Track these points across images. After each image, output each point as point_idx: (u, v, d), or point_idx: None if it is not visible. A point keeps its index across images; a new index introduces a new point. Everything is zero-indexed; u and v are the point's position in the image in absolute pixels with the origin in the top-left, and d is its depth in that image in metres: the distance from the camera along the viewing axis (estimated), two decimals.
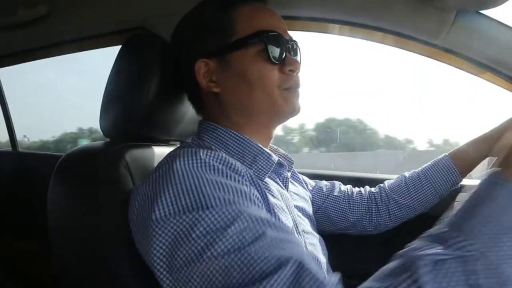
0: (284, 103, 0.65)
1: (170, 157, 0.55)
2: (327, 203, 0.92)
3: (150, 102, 0.67)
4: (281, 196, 0.66)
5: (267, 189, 0.62)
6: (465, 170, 0.85)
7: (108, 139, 0.73)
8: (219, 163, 0.54)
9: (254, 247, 0.43)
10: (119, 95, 0.69)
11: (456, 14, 0.89)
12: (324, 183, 0.96)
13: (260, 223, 0.46)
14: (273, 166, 0.66)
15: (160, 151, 0.75)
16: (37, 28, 1.27)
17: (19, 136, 1.62)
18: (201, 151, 0.54)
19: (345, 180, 1.04)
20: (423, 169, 0.89)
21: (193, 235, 0.45)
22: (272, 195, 0.62)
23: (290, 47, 0.67)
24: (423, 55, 1.01)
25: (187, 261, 0.45)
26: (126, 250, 0.56)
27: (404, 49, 1.01)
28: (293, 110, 0.67)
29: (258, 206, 0.52)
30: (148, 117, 0.69)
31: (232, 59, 0.64)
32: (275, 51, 0.64)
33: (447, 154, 0.87)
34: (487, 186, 0.43)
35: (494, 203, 0.40)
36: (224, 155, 0.56)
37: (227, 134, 0.66)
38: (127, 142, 0.69)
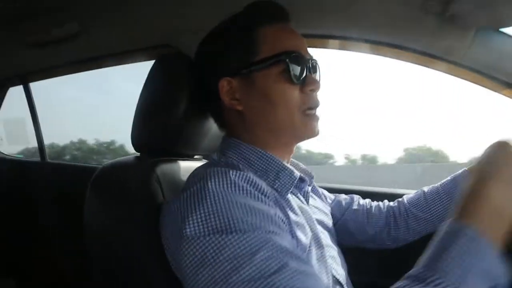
0: (303, 127, 0.68)
1: (200, 176, 0.58)
2: (345, 216, 0.93)
3: (180, 119, 0.70)
4: (301, 211, 0.68)
5: (289, 206, 0.64)
6: None
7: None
8: (248, 183, 0.56)
9: (277, 277, 0.45)
10: (151, 111, 0.72)
11: (475, 32, 0.91)
12: (343, 196, 0.98)
13: (283, 253, 0.48)
14: (295, 182, 0.68)
15: (187, 166, 0.79)
16: (67, 45, 1.34)
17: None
18: (231, 172, 0.57)
19: (364, 194, 1.05)
20: (442, 183, 0.90)
21: (221, 257, 0.47)
22: (294, 213, 0.64)
23: (310, 66, 0.69)
24: (441, 71, 1.03)
25: (212, 281, 0.47)
26: (157, 260, 0.58)
27: (422, 65, 1.03)
28: (312, 134, 0.69)
29: (282, 230, 0.54)
30: (178, 133, 0.73)
31: (255, 78, 0.67)
32: (296, 72, 0.66)
33: (466, 168, 0.88)
34: (451, 232, 0.48)
35: (457, 247, 0.46)
36: (251, 175, 0.58)
37: (250, 151, 0.68)
38: (156, 157, 0.73)
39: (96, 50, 1.36)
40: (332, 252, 0.75)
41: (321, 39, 1.05)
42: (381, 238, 0.92)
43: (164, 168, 0.70)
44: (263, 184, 0.59)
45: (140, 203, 0.64)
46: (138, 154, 0.76)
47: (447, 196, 0.87)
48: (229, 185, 0.54)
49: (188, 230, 0.51)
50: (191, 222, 0.51)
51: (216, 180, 0.55)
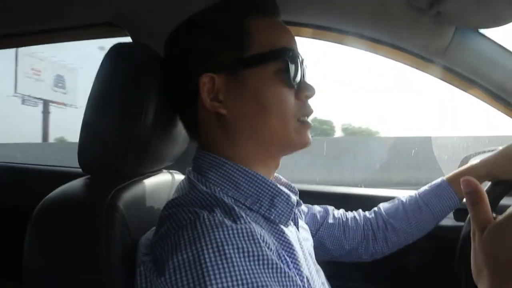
0: (297, 136, 0.58)
1: (185, 228, 0.46)
2: (321, 231, 0.86)
3: (147, 131, 0.56)
4: (298, 241, 0.60)
5: (288, 242, 0.54)
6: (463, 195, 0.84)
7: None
8: (251, 239, 0.46)
9: None
10: (107, 123, 0.56)
11: (455, 31, 0.88)
12: (317, 209, 0.90)
13: None
14: (293, 209, 0.58)
15: (151, 184, 0.65)
16: None
17: None
18: (229, 225, 0.46)
19: (330, 196, 0.98)
20: (421, 194, 0.87)
21: None
22: (294, 249, 0.54)
23: (304, 69, 0.60)
24: (416, 68, 0.99)
25: None
26: None
27: (398, 61, 0.98)
28: (305, 144, 0.60)
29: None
30: (144, 149, 0.58)
31: (245, 77, 0.56)
32: (295, 73, 0.56)
33: (444, 178, 0.86)
34: None
35: None
36: (253, 227, 0.47)
37: (237, 172, 0.56)
38: (111, 179, 0.58)
39: (20, 25, 1.11)
40: (322, 276, 0.68)
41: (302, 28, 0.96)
42: (357, 253, 0.87)
43: (127, 196, 0.55)
44: (265, 234, 0.49)
45: (98, 243, 0.49)
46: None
47: (427, 208, 0.84)
48: (233, 250, 0.44)
49: None
50: None
51: (214, 243, 0.43)
